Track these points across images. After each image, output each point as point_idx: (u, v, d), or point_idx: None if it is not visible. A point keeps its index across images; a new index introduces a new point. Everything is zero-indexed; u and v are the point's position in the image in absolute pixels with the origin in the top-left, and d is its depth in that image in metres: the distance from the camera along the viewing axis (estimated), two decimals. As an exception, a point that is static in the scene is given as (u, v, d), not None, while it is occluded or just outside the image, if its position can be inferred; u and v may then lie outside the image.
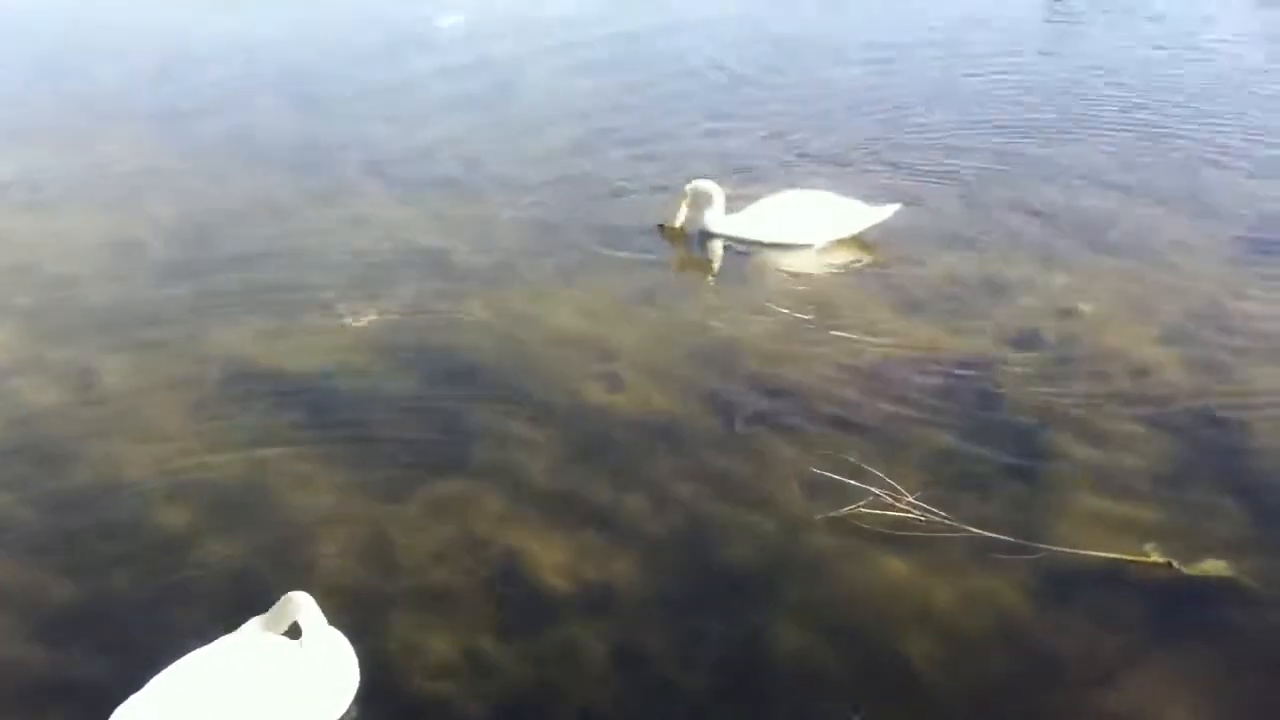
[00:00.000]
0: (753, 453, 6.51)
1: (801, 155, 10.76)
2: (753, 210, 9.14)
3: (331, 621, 4.88)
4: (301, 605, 4.75)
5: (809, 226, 9.01)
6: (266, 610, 4.84)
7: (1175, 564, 5.59)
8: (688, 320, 7.98)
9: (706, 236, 9.14)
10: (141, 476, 6.33)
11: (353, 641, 4.92)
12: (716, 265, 8.96)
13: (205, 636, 4.81)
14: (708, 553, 5.79)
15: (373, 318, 7.90)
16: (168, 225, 9.40)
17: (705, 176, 9.28)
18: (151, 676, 4.59)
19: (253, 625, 4.81)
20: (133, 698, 4.48)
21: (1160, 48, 13.87)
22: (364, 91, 12.65)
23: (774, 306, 8.12)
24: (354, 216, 9.62)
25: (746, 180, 9.94)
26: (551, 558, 5.69)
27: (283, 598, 4.79)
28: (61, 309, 8.13)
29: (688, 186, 9.13)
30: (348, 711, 4.81)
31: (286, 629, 4.82)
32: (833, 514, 5.95)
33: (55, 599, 5.48)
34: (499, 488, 6.19)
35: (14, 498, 6.18)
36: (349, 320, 7.87)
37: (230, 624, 4.86)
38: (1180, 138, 10.96)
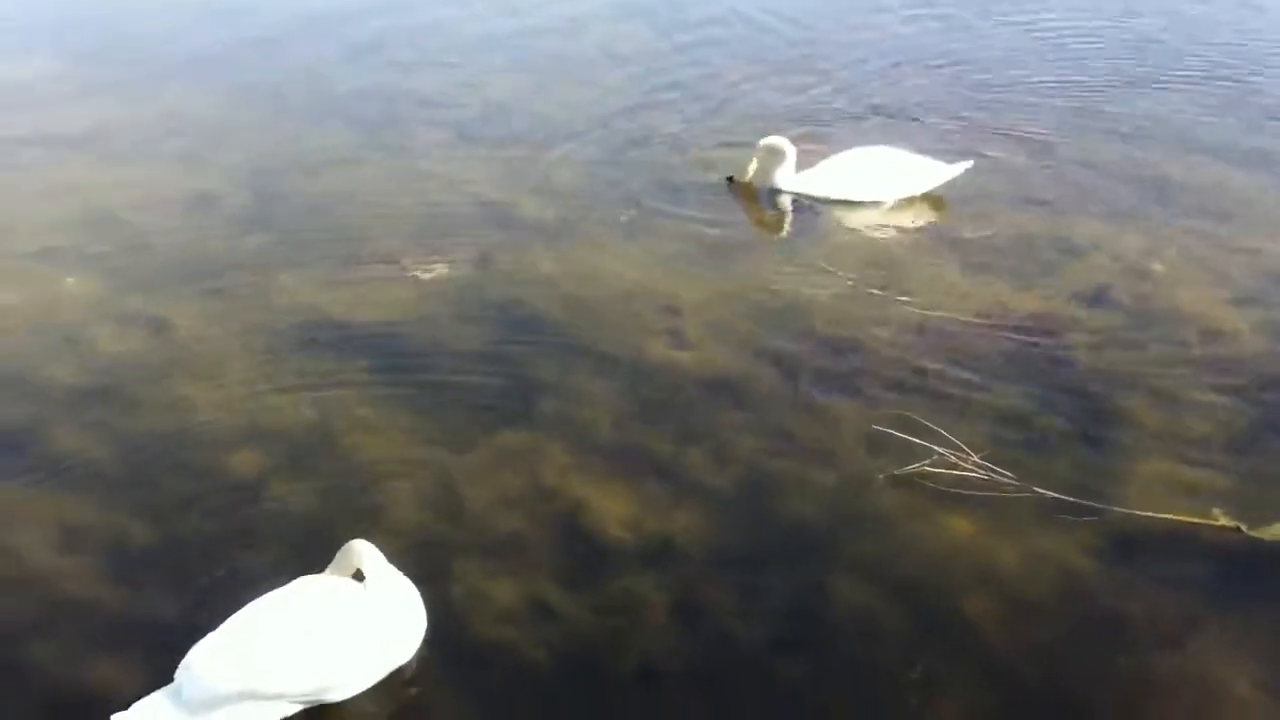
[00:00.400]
0: (816, 410, 6.51)
1: (866, 109, 10.62)
2: (821, 167, 9.06)
3: (398, 566, 4.97)
4: (362, 552, 4.83)
5: (878, 184, 8.93)
6: (329, 561, 4.93)
7: (1244, 528, 5.53)
8: (753, 277, 7.94)
9: (774, 193, 9.08)
10: (213, 420, 6.45)
11: (419, 585, 4.99)
12: (784, 222, 8.90)
13: (275, 578, 4.88)
14: (770, 507, 5.81)
15: (439, 270, 7.97)
16: (234, 176, 9.49)
17: (772, 131, 9.22)
18: (223, 617, 4.66)
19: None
20: (208, 638, 4.55)
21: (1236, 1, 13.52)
22: (406, 38, 12.53)
23: (841, 264, 8.08)
24: (414, 167, 9.65)
25: (809, 134, 9.84)
26: (615, 509, 5.74)
27: (343, 547, 4.87)
28: (136, 257, 8.26)
29: (761, 143, 9.06)
30: (415, 654, 4.89)
31: (350, 575, 4.91)
32: (896, 472, 5.94)
33: (130, 538, 5.61)
34: (563, 439, 6.24)
35: (92, 439, 6.31)
36: (416, 272, 7.94)
37: (299, 567, 4.94)
38: (1257, 95, 10.70)
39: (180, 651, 4.56)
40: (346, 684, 4.67)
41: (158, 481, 5.98)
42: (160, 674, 4.59)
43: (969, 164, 8.86)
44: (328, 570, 4.89)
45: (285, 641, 4.55)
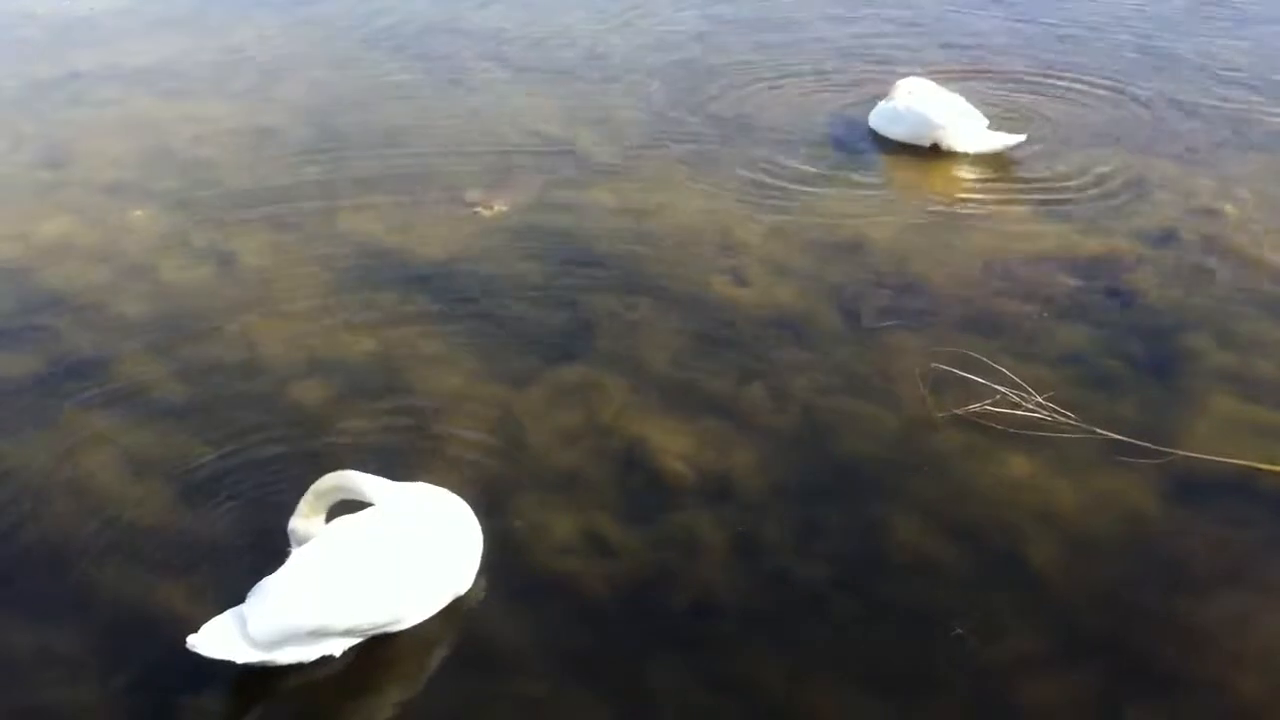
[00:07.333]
0: (877, 348, 6.47)
1: (936, 46, 10.48)
2: (888, 105, 8.93)
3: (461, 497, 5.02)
4: (357, 483, 4.72)
5: (946, 124, 8.78)
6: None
7: (1312, 474, 5.45)
8: (814, 215, 7.87)
9: (839, 132, 8.95)
10: (277, 352, 6.52)
11: (479, 518, 5.03)
12: (847, 160, 8.77)
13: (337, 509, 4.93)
14: (828, 445, 5.79)
15: (500, 205, 7.98)
16: (300, 111, 9.58)
17: (835, 68, 9.12)
18: (285, 544, 4.75)
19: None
20: (280, 571, 4.54)
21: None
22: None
23: (904, 202, 8.01)
24: (480, 103, 9.69)
25: (877, 72, 9.73)
26: (673, 445, 5.74)
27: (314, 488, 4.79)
28: (201, 190, 8.36)
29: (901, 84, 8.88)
30: (475, 584, 4.93)
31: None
32: (957, 411, 5.90)
33: (196, 465, 5.68)
34: (623, 374, 6.25)
35: (159, 368, 6.40)
36: (478, 208, 7.96)
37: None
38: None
39: (244, 578, 4.61)
40: (414, 614, 4.70)
41: (223, 411, 6.06)
42: (226, 599, 4.65)
43: (1021, 138, 8.56)
44: (295, 519, 4.77)
45: (360, 575, 4.53)
